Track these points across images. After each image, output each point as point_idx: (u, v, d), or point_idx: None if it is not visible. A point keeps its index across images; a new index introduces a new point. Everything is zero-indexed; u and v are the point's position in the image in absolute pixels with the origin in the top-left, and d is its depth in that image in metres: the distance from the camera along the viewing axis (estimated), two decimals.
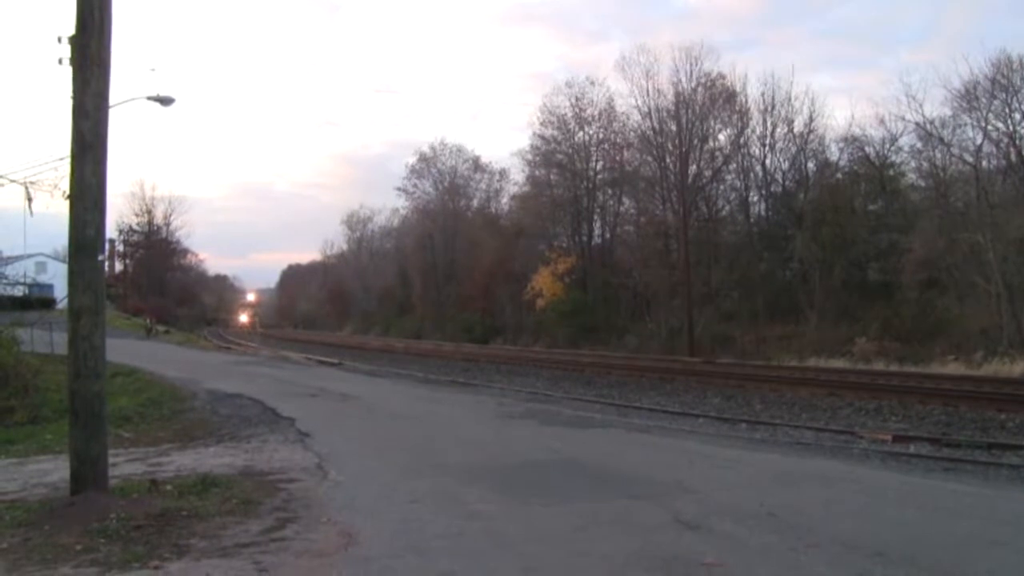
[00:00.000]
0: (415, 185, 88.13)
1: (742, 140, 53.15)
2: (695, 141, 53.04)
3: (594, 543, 7.10)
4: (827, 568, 6.41)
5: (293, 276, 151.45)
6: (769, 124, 52.06)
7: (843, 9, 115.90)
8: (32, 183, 24.83)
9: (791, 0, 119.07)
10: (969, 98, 39.65)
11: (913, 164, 46.32)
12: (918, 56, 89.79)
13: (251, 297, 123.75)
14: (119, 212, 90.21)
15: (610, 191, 63.25)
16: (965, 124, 40.54)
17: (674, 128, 53.08)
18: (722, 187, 55.87)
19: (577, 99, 62.74)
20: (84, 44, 8.58)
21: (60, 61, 8.87)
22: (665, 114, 54.56)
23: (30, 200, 24.66)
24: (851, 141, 47.92)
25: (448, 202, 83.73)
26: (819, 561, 6.55)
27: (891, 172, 47.03)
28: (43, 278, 68.15)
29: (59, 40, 8.85)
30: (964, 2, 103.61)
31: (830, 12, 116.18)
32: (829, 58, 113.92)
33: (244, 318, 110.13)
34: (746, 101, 53.03)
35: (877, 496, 9.18)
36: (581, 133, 63.58)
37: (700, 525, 7.64)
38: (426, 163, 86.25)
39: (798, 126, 51.22)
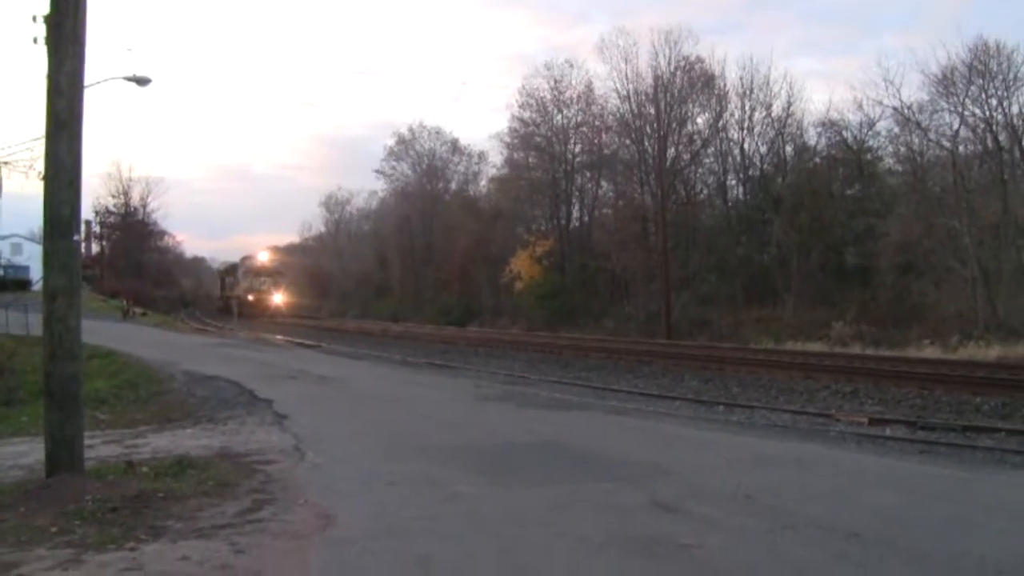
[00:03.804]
0: (393, 167, 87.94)
1: (720, 124, 53.45)
2: (673, 125, 53.08)
3: (572, 525, 7.12)
4: (803, 549, 6.45)
5: None
6: (747, 108, 52.45)
7: None
8: (6, 163, 24.71)
9: None
10: (946, 83, 39.93)
11: (890, 149, 46.71)
12: (903, 40, 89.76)
13: (264, 257, 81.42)
14: (95, 193, 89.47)
15: (588, 174, 63.21)
16: (942, 109, 40.86)
17: (653, 112, 53.13)
18: (700, 171, 56.16)
19: (556, 82, 62.62)
20: (59, 22, 8.49)
21: (35, 40, 8.78)
22: (644, 97, 54.69)
23: (0, 181, 24.51)
24: (829, 125, 48.23)
25: (426, 184, 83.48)
26: (795, 543, 6.59)
27: (868, 157, 47.32)
28: (18, 259, 67.88)
29: (34, 19, 8.77)
30: None
31: None
32: (811, 42, 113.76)
33: (251, 296, 72.27)
34: (724, 85, 53.34)
35: (853, 478, 9.24)
36: (560, 116, 63.49)
37: (677, 507, 7.67)
38: (404, 145, 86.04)
39: (776, 110, 51.61)
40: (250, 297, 72.06)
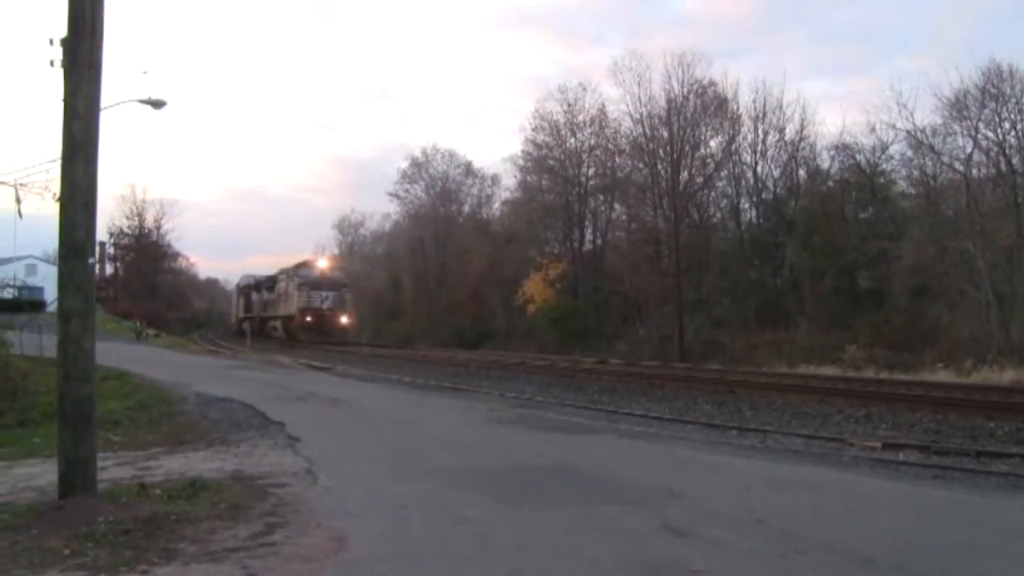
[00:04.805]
0: (407, 190, 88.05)
1: (733, 147, 53.53)
2: (686, 148, 53.26)
3: (583, 548, 7.10)
4: (816, 575, 6.42)
5: None
6: (760, 131, 52.52)
7: (841, 14, 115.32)
8: (23, 185, 24.93)
9: (788, 5, 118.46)
10: (959, 107, 39.94)
11: (904, 172, 46.72)
12: (916, 63, 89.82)
13: (323, 264, 66.11)
14: (110, 215, 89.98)
15: (601, 197, 63.35)
16: (955, 133, 40.89)
17: (666, 135, 53.31)
18: (713, 194, 56.26)
19: (569, 105, 62.91)
20: (76, 45, 8.57)
21: (52, 63, 8.86)
22: (657, 120, 54.90)
23: (19, 202, 24.74)
24: (842, 149, 48.26)
25: (440, 207, 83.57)
26: (808, 568, 6.56)
27: (882, 180, 47.30)
28: (33, 280, 68.14)
29: (51, 43, 8.85)
30: (965, 8, 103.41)
31: (828, 16, 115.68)
32: (824, 65, 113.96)
33: (308, 316, 58.81)
34: (737, 108, 53.50)
35: (866, 503, 9.18)
36: (573, 139, 63.72)
37: (689, 531, 7.64)
38: (418, 168, 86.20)
39: (789, 133, 51.65)
40: (308, 317, 58.92)
